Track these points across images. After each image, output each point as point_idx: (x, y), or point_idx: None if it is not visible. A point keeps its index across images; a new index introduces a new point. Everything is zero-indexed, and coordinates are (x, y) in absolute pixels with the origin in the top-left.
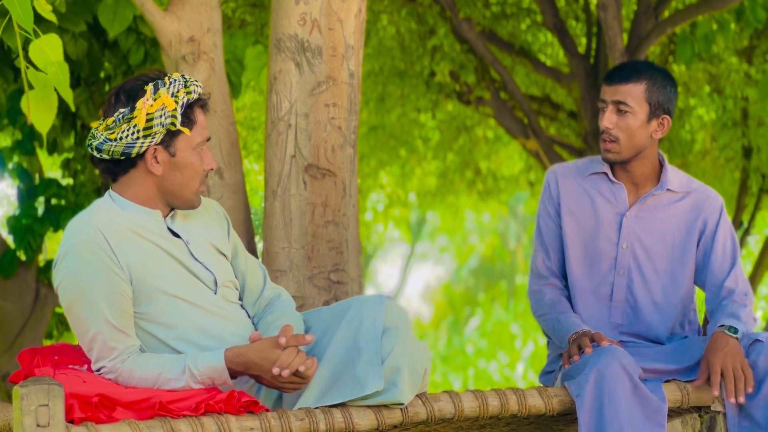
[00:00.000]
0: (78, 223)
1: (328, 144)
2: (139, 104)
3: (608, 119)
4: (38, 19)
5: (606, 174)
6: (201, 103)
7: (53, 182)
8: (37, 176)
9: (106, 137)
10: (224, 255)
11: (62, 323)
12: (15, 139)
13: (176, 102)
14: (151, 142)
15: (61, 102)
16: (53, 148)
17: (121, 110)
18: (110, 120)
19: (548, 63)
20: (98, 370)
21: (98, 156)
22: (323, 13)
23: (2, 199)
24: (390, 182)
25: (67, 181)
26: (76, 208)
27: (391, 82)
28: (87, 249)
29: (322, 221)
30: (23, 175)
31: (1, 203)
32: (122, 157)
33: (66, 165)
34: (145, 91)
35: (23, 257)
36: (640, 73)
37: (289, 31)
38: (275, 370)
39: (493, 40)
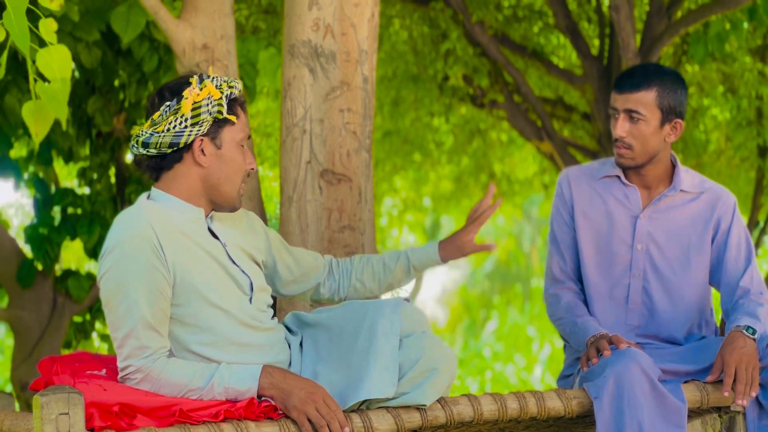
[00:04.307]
0: (129, 216)
1: (343, 149)
2: (186, 93)
3: (621, 127)
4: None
5: (618, 177)
6: (240, 101)
7: (69, 191)
8: (53, 186)
9: (152, 131)
10: (257, 264)
11: (80, 332)
12: (31, 149)
13: (221, 92)
14: (198, 131)
15: (76, 110)
16: (69, 157)
17: (168, 104)
18: (156, 115)
19: (561, 65)
20: (123, 370)
21: (145, 152)
22: (336, 19)
23: (19, 208)
24: (404, 187)
25: (82, 190)
26: (92, 217)
27: (404, 87)
28: (136, 243)
29: (338, 226)
30: (39, 184)
31: (18, 213)
32: (170, 150)
33: (82, 174)
34: (191, 83)
35: (40, 267)
36: (650, 80)
37: (302, 36)
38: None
39: (505, 43)
